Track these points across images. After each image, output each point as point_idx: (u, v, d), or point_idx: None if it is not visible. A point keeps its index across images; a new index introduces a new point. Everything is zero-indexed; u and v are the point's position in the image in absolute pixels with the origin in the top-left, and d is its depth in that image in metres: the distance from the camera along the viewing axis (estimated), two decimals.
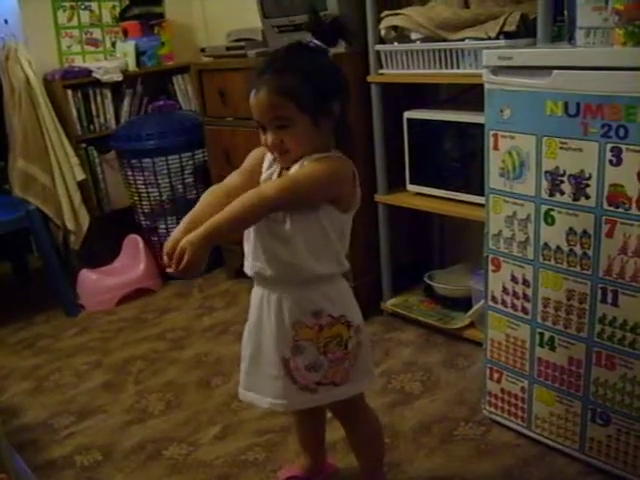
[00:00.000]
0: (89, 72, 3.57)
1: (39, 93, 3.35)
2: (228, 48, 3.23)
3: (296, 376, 1.53)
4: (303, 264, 1.47)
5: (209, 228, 1.35)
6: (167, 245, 1.39)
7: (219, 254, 3.53)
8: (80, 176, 3.51)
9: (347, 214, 1.51)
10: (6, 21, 3.49)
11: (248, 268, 1.56)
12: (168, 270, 1.37)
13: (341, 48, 2.59)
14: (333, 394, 1.57)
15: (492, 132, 1.85)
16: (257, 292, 1.59)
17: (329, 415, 1.88)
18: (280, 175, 1.52)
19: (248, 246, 1.54)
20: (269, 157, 1.55)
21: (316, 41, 1.46)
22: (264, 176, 1.54)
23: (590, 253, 1.69)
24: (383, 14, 2.52)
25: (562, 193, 1.71)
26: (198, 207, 1.51)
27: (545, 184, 1.74)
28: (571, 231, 1.71)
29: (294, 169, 1.46)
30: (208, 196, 1.54)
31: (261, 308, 1.56)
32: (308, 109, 1.40)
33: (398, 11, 2.47)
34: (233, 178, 1.57)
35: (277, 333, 1.52)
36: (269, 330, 1.54)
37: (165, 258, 1.39)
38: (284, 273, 1.49)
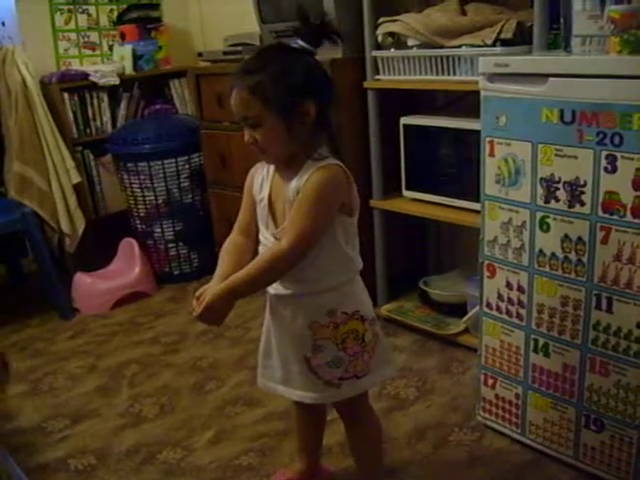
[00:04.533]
0: (86, 75, 3.57)
1: (36, 96, 3.34)
2: (225, 53, 3.24)
3: (319, 373, 1.57)
4: (322, 279, 1.52)
5: (230, 283, 1.48)
6: (198, 291, 1.53)
7: (214, 258, 3.52)
8: (76, 179, 3.50)
9: (353, 217, 1.54)
10: (3, 23, 3.49)
11: (267, 289, 1.60)
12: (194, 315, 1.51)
13: (338, 53, 2.60)
14: (357, 386, 1.61)
15: (488, 139, 1.86)
16: (271, 295, 1.62)
17: (328, 418, 1.89)
18: (272, 183, 1.55)
19: None
20: (260, 172, 1.60)
21: (300, 42, 1.48)
22: (256, 192, 1.59)
23: (585, 260, 1.69)
24: (380, 20, 2.53)
25: (557, 200, 1.71)
26: (222, 266, 1.61)
27: (540, 191, 1.75)
28: (566, 238, 1.72)
29: (295, 183, 1.47)
30: (226, 257, 1.63)
31: (278, 312, 1.60)
32: (276, 108, 1.42)
33: (395, 17, 2.48)
34: (241, 237, 1.64)
35: (296, 334, 1.56)
36: (288, 331, 1.58)
37: (194, 302, 1.52)
38: (304, 288, 1.54)
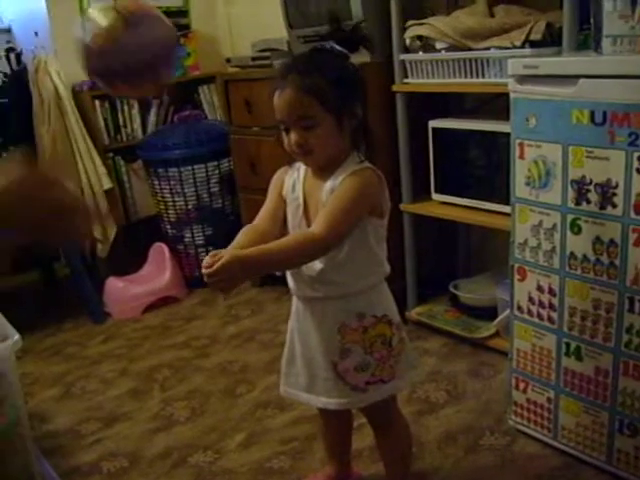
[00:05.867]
0: None
1: (68, 104, 3.39)
2: (254, 58, 3.26)
3: (346, 378, 1.57)
4: (353, 282, 1.52)
5: (250, 252, 1.37)
6: (213, 253, 1.37)
7: None
8: (107, 185, 3.55)
9: (384, 219, 1.54)
10: (36, 33, 3.55)
11: (296, 291, 1.60)
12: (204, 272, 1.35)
13: (366, 57, 2.60)
14: (382, 391, 1.60)
15: (518, 141, 1.85)
16: (298, 299, 1.62)
17: (356, 423, 1.89)
18: (304, 184, 1.54)
19: (296, 272, 1.57)
20: (290, 174, 1.59)
21: (337, 46, 1.48)
22: (288, 193, 1.58)
23: (617, 262, 1.67)
24: (408, 24, 2.52)
25: (588, 202, 1.70)
26: (239, 239, 1.53)
27: (571, 193, 1.73)
28: (598, 240, 1.70)
29: (330, 184, 1.48)
30: (242, 237, 1.53)
31: (305, 316, 1.59)
32: (333, 109, 1.42)
33: (423, 21, 2.48)
34: (264, 223, 1.58)
35: (323, 339, 1.56)
36: (315, 336, 1.58)
37: (206, 260, 1.36)
38: (334, 292, 1.53)
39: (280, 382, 1.74)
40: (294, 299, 1.64)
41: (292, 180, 1.58)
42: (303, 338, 1.62)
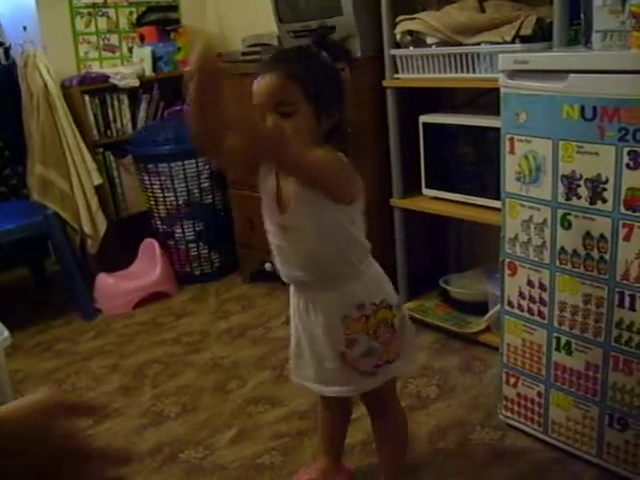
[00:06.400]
0: (106, 78, 3.60)
1: (57, 99, 3.38)
2: (244, 53, 3.25)
3: (355, 364, 1.59)
4: (336, 261, 1.52)
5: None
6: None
7: (235, 258, 3.54)
8: (97, 181, 3.54)
9: (356, 203, 1.51)
10: (25, 28, 3.53)
11: (285, 277, 1.61)
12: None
13: (357, 52, 2.61)
14: (390, 371, 1.64)
15: (508, 136, 1.85)
16: (298, 297, 1.63)
17: (352, 416, 1.91)
18: (278, 175, 1.53)
19: (280, 257, 1.58)
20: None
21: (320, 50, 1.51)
22: (261, 182, 1.57)
23: (607, 257, 1.68)
24: (399, 19, 2.52)
25: (579, 197, 1.70)
26: None
27: (561, 188, 1.74)
28: (588, 235, 1.71)
29: None
30: None
31: (306, 311, 1.60)
32: (313, 99, 1.41)
33: (414, 15, 2.47)
34: None
35: (328, 331, 1.57)
36: (320, 330, 1.58)
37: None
38: (322, 274, 1.54)
39: (291, 372, 1.77)
40: (292, 297, 1.65)
41: (265, 168, 1.56)
42: (308, 333, 1.62)
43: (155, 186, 3.47)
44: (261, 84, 1.43)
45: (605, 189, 1.64)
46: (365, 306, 1.56)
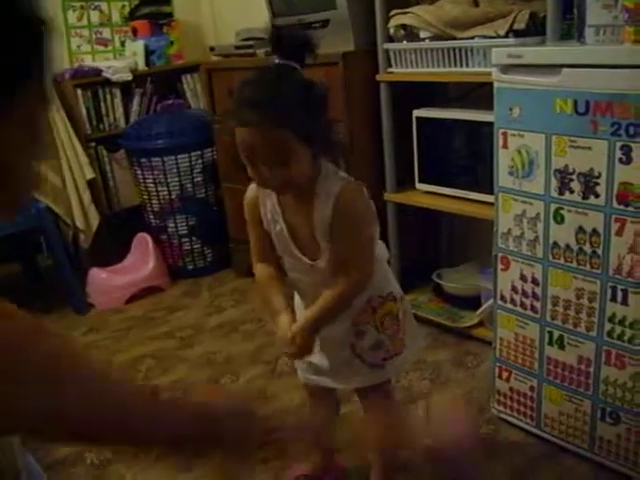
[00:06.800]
0: (99, 71, 3.59)
1: (49, 92, 3.35)
2: (237, 47, 3.24)
3: (363, 356, 1.60)
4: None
5: (312, 319, 1.49)
6: (286, 331, 1.49)
7: (228, 253, 3.54)
8: (90, 175, 3.52)
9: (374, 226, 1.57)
10: None
11: (304, 299, 1.65)
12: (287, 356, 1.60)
13: (350, 46, 2.60)
14: (397, 364, 1.66)
15: (501, 130, 1.85)
16: (307, 295, 1.63)
17: (343, 411, 1.90)
18: (284, 211, 1.50)
19: (303, 288, 1.62)
20: (263, 202, 1.52)
21: (280, 61, 1.38)
22: (270, 225, 1.53)
23: (600, 252, 1.68)
24: (392, 12, 2.51)
25: (571, 191, 1.70)
26: (278, 299, 1.55)
27: (554, 182, 1.74)
28: (580, 230, 1.71)
29: (320, 210, 1.42)
30: (278, 296, 1.56)
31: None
32: (305, 135, 1.32)
33: (407, 9, 2.47)
34: (272, 261, 1.59)
35: (338, 326, 1.57)
36: (329, 325, 1.56)
37: (287, 338, 1.49)
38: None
39: (298, 368, 1.77)
40: (294, 294, 1.66)
41: (269, 210, 1.51)
42: None
43: (148, 180, 3.46)
44: (245, 138, 1.31)
45: (598, 183, 1.64)
46: (372, 298, 1.57)
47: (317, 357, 1.65)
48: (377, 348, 1.60)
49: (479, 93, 2.47)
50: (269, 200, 1.51)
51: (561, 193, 1.73)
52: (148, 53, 3.77)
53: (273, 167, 1.32)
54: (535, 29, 2.17)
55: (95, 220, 3.56)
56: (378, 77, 2.62)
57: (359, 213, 1.45)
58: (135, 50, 3.77)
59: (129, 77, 3.65)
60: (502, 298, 1.98)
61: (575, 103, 1.64)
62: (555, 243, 1.78)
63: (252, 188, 1.54)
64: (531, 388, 1.97)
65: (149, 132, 3.40)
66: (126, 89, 3.74)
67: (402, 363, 1.70)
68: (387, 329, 1.60)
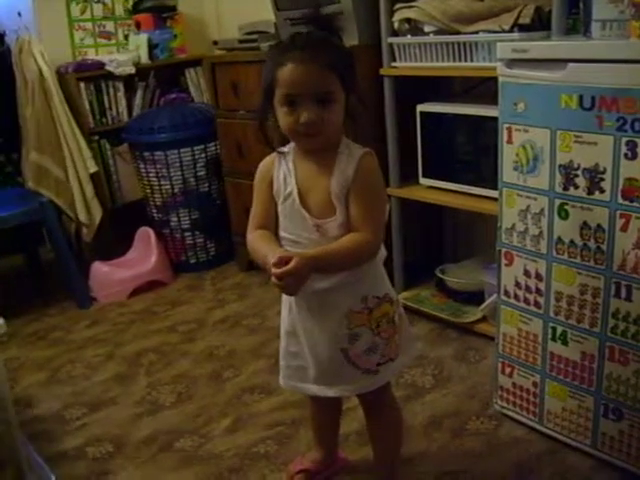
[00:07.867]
0: (102, 65, 3.58)
1: (52, 86, 3.36)
2: (241, 41, 3.23)
3: (358, 362, 1.56)
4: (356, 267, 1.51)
5: (317, 254, 1.39)
6: (277, 255, 1.35)
7: (230, 247, 3.53)
8: (92, 168, 3.52)
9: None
10: (19, 14, 3.50)
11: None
12: (273, 277, 1.34)
13: (354, 40, 2.60)
14: (392, 369, 1.62)
15: (506, 125, 1.84)
16: (304, 299, 1.56)
17: (345, 407, 1.90)
18: (298, 175, 1.50)
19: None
20: (277, 167, 1.53)
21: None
22: (280, 191, 1.52)
23: (604, 247, 1.67)
24: (396, 7, 2.51)
25: (576, 187, 1.70)
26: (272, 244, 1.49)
27: (559, 178, 1.73)
28: (585, 225, 1.70)
29: (339, 174, 1.44)
30: (273, 243, 1.50)
31: (310, 311, 1.56)
32: (346, 88, 1.42)
33: (411, 3, 2.46)
34: (270, 226, 1.55)
35: (330, 327, 1.54)
36: (321, 328, 1.55)
37: (272, 267, 1.34)
38: (346, 278, 1.50)
39: (281, 374, 1.70)
40: (290, 301, 1.59)
41: (282, 173, 1.52)
42: (308, 333, 1.58)
43: (151, 174, 3.45)
44: (295, 75, 1.38)
45: (603, 179, 1.63)
46: (368, 298, 1.54)
47: (306, 363, 1.61)
48: (372, 352, 1.55)
49: (483, 88, 2.46)
50: (284, 163, 1.53)
51: (566, 189, 1.72)
52: (151, 47, 3.77)
53: (314, 106, 1.38)
54: (540, 23, 2.16)
55: (98, 214, 3.56)
56: (382, 71, 2.61)
57: (378, 178, 1.49)
58: (138, 43, 3.76)
59: (132, 70, 3.65)
60: (505, 293, 1.98)
61: (580, 98, 1.63)
62: (559, 238, 1.78)
63: (272, 155, 1.57)
64: (534, 384, 1.96)
65: (152, 126, 3.39)
66: (129, 83, 3.74)
67: (397, 368, 1.64)
68: (383, 332, 1.56)
